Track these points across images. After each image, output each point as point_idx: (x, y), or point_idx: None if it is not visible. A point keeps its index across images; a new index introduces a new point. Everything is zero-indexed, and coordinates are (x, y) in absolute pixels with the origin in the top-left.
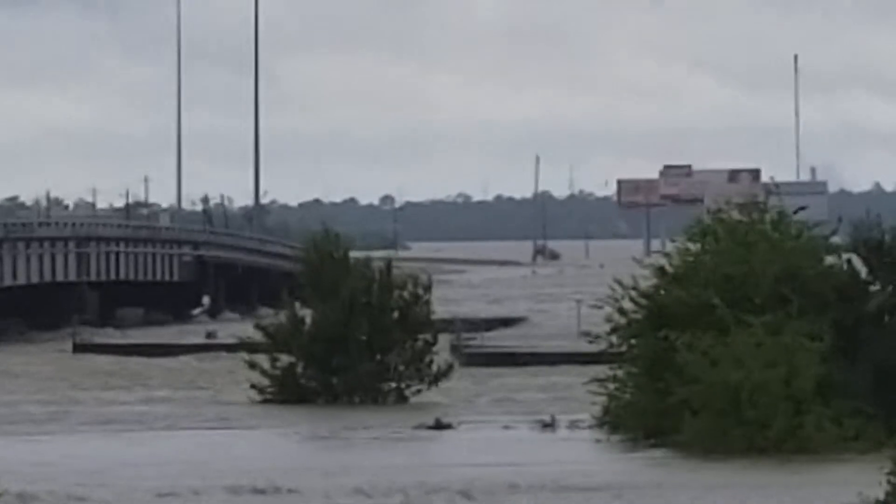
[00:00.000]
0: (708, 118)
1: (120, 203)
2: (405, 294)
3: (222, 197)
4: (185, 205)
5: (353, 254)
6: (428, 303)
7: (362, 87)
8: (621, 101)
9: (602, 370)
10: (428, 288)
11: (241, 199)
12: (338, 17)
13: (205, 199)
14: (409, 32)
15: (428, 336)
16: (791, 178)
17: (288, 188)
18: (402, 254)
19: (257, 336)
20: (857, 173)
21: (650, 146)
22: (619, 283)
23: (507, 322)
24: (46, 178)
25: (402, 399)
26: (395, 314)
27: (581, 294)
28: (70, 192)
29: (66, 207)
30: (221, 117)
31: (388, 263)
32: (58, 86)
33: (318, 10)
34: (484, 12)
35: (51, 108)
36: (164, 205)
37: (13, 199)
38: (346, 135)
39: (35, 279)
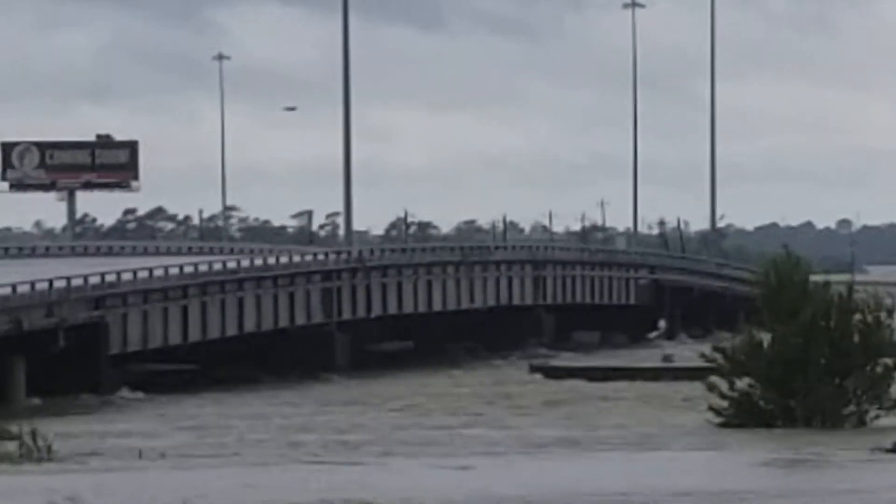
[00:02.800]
0: None
1: (575, 227)
2: (866, 318)
3: (679, 220)
4: (642, 228)
5: (812, 277)
6: (890, 327)
7: (797, 112)
8: None
9: None
10: (891, 312)
11: (698, 222)
12: (761, 42)
13: (661, 223)
14: (831, 55)
15: (888, 361)
16: None
17: (745, 212)
18: (859, 277)
19: (713, 359)
20: None
21: None
22: None
23: None
24: (503, 201)
25: (861, 423)
26: (856, 338)
27: None
28: (525, 216)
29: (522, 231)
30: (666, 141)
31: (850, 287)
32: (485, 110)
33: (742, 35)
34: None
35: (483, 131)
36: (620, 228)
37: (471, 222)
38: (792, 159)
39: (492, 302)
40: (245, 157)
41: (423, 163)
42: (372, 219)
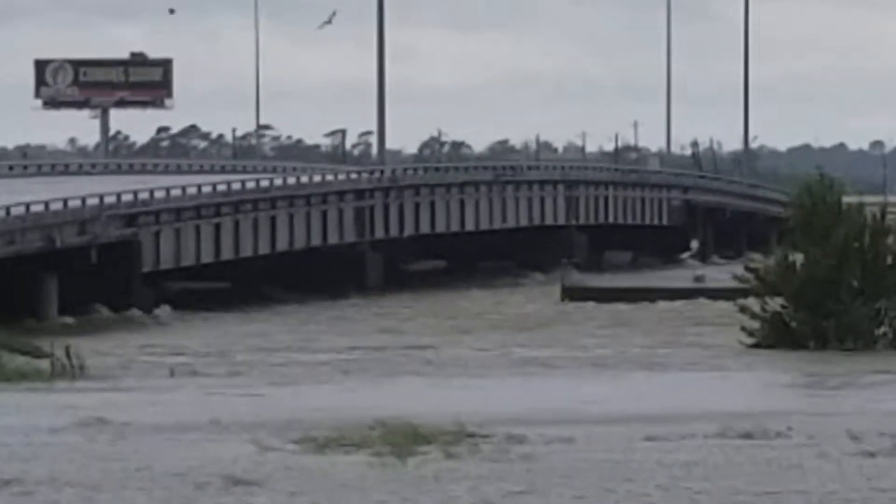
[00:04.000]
0: None
1: (609, 147)
2: None
3: (711, 141)
4: (674, 149)
5: (846, 199)
6: None
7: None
8: None
9: None
10: None
11: (731, 143)
12: None
13: (694, 144)
14: None
15: None
16: None
17: (777, 133)
18: (892, 199)
19: (746, 280)
20: None
21: None
22: None
23: None
24: (535, 121)
25: (894, 345)
26: (889, 260)
27: None
28: (559, 135)
29: (555, 151)
30: (707, 62)
31: (883, 208)
32: (509, 29)
33: None
34: None
35: (509, 51)
36: (654, 149)
37: (503, 142)
38: (822, 81)
39: (524, 222)
40: (276, 77)
41: (453, 82)
42: (404, 138)
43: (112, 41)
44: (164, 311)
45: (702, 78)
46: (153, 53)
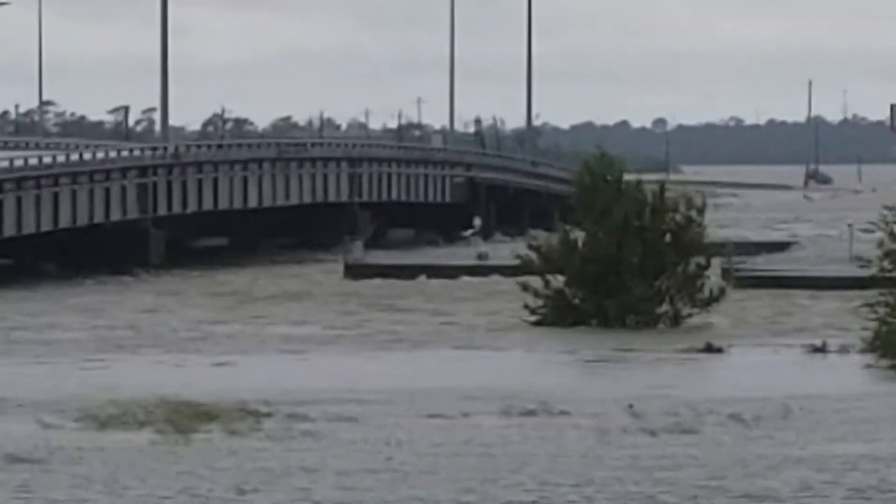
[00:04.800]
0: None
1: (392, 124)
2: (678, 217)
3: (495, 119)
4: (458, 126)
5: (627, 176)
6: (701, 226)
7: (597, 10)
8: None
9: (873, 295)
10: (701, 211)
11: (514, 121)
12: None
13: (477, 121)
14: None
15: (701, 259)
16: None
17: (560, 111)
18: (674, 177)
19: (528, 257)
20: None
21: None
22: (892, 207)
23: (778, 246)
24: (318, 98)
25: (674, 323)
26: (669, 237)
27: (853, 219)
28: (342, 113)
29: (339, 128)
30: (488, 39)
31: (662, 186)
32: (292, 7)
33: None
34: None
35: (285, 28)
36: (437, 126)
37: (286, 118)
38: (612, 58)
39: (308, 199)
40: (58, 53)
41: (234, 59)
42: (187, 115)
43: None
44: None
45: (485, 55)
46: None
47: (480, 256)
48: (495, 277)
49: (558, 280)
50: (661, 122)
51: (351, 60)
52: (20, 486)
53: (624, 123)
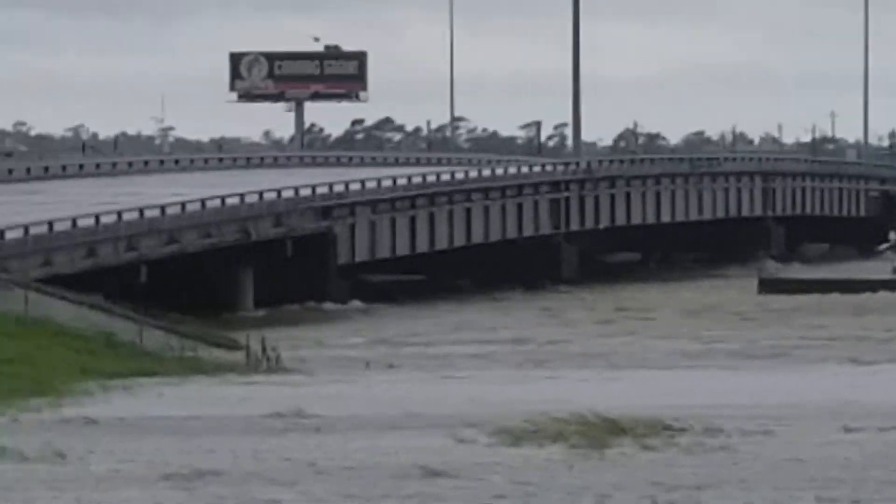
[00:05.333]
0: None
1: (805, 138)
2: None
3: None
4: (872, 140)
5: None
6: None
7: None
8: None
9: None
10: None
11: None
12: None
13: (892, 135)
14: None
15: None
16: None
17: None
18: None
19: None
20: None
21: None
22: None
23: None
24: (728, 113)
25: None
26: None
27: None
28: (754, 127)
29: (751, 142)
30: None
31: None
32: (694, 22)
33: None
34: None
35: (693, 42)
36: (851, 140)
37: (699, 133)
38: None
39: (721, 213)
40: (465, 70)
41: (639, 74)
42: (596, 130)
43: (290, 33)
44: (359, 303)
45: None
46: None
47: None
48: None
49: None
50: None
51: (759, 74)
52: (433, 496)
53: None
